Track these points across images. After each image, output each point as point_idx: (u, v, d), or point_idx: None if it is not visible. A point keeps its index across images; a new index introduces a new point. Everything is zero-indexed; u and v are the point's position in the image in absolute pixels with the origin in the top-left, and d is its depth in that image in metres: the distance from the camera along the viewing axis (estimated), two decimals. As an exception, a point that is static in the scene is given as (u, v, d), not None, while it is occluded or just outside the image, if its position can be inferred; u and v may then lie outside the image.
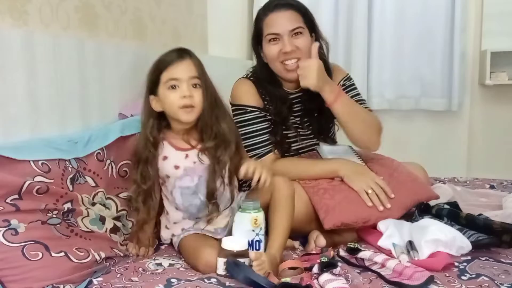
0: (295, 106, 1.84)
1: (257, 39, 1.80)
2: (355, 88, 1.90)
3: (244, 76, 1.84)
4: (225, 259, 1.30)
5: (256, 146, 1.73)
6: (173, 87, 1.43)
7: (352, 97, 1.84)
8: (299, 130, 1.83)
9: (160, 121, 1.52)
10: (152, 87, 1.48)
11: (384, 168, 1.75)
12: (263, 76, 1.79)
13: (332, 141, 1.93)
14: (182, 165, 1.49)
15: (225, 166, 1.48)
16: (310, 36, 1.76)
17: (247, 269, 1.22)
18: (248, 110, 1.74)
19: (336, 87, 1.74)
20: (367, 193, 1.61)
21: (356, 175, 1.66)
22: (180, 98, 1.43)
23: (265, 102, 1.78)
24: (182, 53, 1.47)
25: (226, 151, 1.47)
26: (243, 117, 1.74)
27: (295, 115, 1.85)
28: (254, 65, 1.88)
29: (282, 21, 1.71)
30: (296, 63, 1.71)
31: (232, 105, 1.79)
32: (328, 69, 1.81)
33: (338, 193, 1.62)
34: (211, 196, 1.47)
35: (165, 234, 1.57)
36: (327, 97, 1.69)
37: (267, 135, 1.75)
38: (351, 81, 1.91)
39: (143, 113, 1.52)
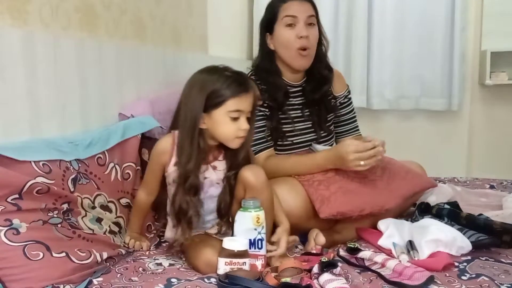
0: (295, 98, 1.88)
1: (267, 25, 1.86)
2: (352, 102, 2.03)
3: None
4: (226, 259, 1.31)
5: (252, 143, 1.74)
6: (235, 118, 1.40)
7: (349, 112, 2.01)
8: (296, 125, 1.85)
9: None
10: (207, 107, 1.40)
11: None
12: (264, 65, 1.85)
13: (330, 133, 1.95)
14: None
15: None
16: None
17: (241, 279, 1.21)
18: None
19: None
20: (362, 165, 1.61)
21: (341, 161, 1.64)
22: (238, 130, 1.41)
23: (262, 96, 1.79)
24: (248, 85, 1.43)
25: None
26: None
27: (296, 108, 1.88)
28: (255, 57, 1.94)
29: (301, 8, 1.81)
30: (306, 50, 1.79)
31: None
32: (329, 66, 1.91)
33: (332, 184, 1.64)
34: (222, 213, 1.49)
35: (171, 233, 1.57)
36: None
37: (263, 133, 1.79)
38: (350, 93, 2.04)
39: (186, 125, 1.42)
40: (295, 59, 1.81)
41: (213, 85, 1.39)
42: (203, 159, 1.45)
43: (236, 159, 1.48)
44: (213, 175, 1.48)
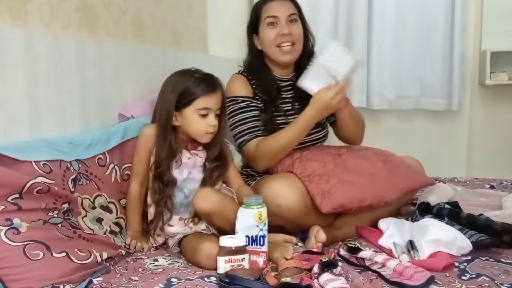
0: (286, 92, 1.92)
1: (253, 27, 1.93)
2: None
3: (237, 72, 1.94)
4: (225, 258, 1.32)
5: (244, 133, 1.81)
6: (204, 115, 1.54)
7: None
8: (289, 117, 1.87)
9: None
10: (179, 105, 1.54)
11: (378, 155, 1.83)
12: (254, 63, 1.92)
13: (322, 127, 1.95)
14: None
15: (216, 182, 1.59)
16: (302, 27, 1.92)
17: (241, 280, 1.22)
18: (239, 101, 1.83)
19: None
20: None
21: (327, 108, 1.71)
22: (207, 126, 1.55)
23: (256, 90, 1.86)
24: (216, 85, 1.57)
25: (222, 171, 1.61)
26: (234, 107, 1.84)
27: (287, 102, 1.91)
28: (244, 58, 2.00)
29: (281, 7, 1.88)
30: (291, 47, 1.85)
31: (226, 98, 1.88)
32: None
33: (332, 177, 1.67)
34: None
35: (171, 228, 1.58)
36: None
37: (255, 122, 1.82)
38: None
39: (161, 121, 1.55)
40: (278, 55, 1.86)
41: (184, 85, 1.53)
42: (174, 153, 1.55)
43: (213, 152, 1.60)
44: (197, 158, 1.59)
